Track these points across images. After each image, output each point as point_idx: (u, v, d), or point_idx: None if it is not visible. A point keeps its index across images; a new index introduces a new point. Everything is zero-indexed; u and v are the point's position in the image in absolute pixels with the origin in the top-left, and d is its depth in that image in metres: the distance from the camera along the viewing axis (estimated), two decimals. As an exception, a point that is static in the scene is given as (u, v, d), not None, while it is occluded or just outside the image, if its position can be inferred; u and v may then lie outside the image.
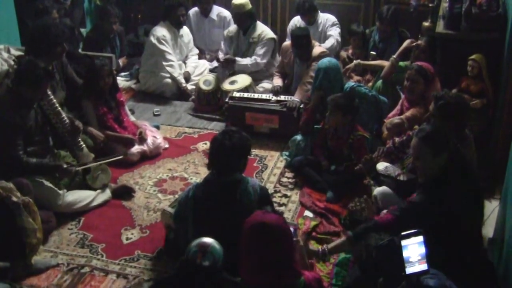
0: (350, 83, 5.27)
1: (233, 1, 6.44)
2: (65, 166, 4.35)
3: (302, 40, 5.81)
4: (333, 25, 6.71)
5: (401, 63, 5.57)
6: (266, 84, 6.41)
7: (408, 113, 4.84)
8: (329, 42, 6.49)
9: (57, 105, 4.65)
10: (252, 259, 3.09)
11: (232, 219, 3.49)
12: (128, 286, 3.79)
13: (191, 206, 3.64)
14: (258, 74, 6.50)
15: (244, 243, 3.11)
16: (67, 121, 4.69)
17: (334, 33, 6.67)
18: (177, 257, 3.15)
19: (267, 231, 3.04)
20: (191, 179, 5.00)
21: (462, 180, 3.47)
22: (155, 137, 5.47)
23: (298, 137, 5.22)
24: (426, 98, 4.73)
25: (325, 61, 5.27)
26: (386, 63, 5.62)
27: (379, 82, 5.66)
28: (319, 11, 6.73)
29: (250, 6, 6.48)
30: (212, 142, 3.67)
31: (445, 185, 3.40)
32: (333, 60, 5.34)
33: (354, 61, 5.99)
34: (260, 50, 6.44)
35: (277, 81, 6.21)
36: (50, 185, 4.35)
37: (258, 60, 6.42)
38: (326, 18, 6.74)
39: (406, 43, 5.70)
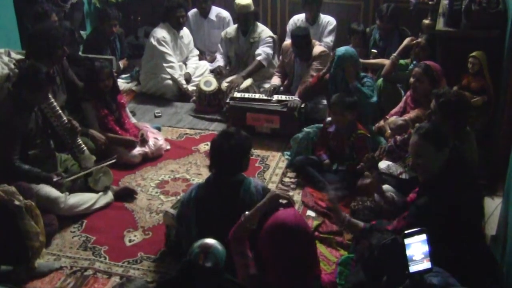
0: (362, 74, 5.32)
1: (238, 2, 6.41)
2: (55, 178, 4.31)
3: (302, 40, 5.81)
4: (331, 31, 6.70)
5: (401, 61, 5.57)
6: (267, 85, 6.40)
7: (412, 114, 4.81)
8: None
9: (58, 108, 4.65)
10: (273, 259, 3.09)
11: (234, 220, 3.49)
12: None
13: (193, 207, 3.64)
14: (259, 75, 6.49)
15: (265, 243, 3.11)
16: (68, 123, 4.69)
17: (328, 40, 6.68)
18: (179, 258, 3.16)
19: (289, 232, 3.04)
20: (193, 180, 5.00)
21: (462, 178, 3.46)
22: (156, 139, 5.47)
23: (300, 135, 5.22)
24: (431, 99, 4.70)
25: (342, 48, 5.28)
26: (386, 61, 5.62)
27: (380, 80, 5.66)
28: (320, 13, 6.74)
29: (253, 6, 6.49)
30: (212, 145, 3.66)
31: (446, 183, 3.39)
32: (350, 50, 5.32)
33: None
34: (266, 48, 6.43)
35: (275, 81, 6.20)
36: (52, 188, 4.35)
37: (265, 55, 6.42)
38: (327, 21, 6.74)
39: (406, 41, 5.69)
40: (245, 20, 6.49)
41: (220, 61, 6.77)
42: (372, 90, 5.20)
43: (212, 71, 6.82)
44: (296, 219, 3.14)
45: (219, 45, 6.81)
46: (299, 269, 3.08)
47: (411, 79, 4.88)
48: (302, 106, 5.55)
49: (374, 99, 5.17)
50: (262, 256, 3.16)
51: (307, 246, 3.15)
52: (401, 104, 5.12)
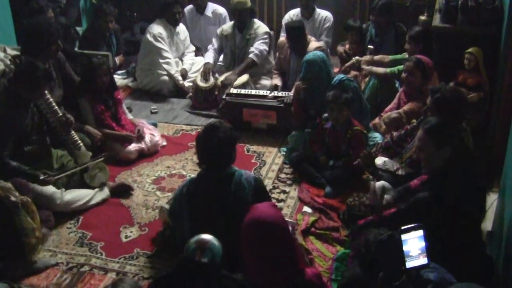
0: (340, 76, 5.26)
1: None
2: (42, 177, 4.26)
3: (295, 32, 5.83)
4: (328, 29, 6.70)
5: (398, 56, 5.57)
6: (263, 81, 6.41)
7: (406, 107, 4.85)
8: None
9: (54, 104, 4.64)
10: (251, 256, 3.09)
11: (227, 214, 3.50)
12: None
13: (186, 202, 3.64)
14: (255, 71, 6.49)
15: (243, 240, 3.12)
16: (64, 119, 4.68)
17: (328, 39, 6.69)
18: (174, 253, 3.15)
19: (263, 228, 3.04)
20: (189, 176, 4.98)
21: (467, 174, 3.47)
22: (152, 135, 5.46)
23: (297, 132, 5.22)
24: (423, 92, 4.72)
25: (310, 54, 5.28)
26: (385, 58, 5.62)
27: (377, 78, 5.65)
28: (316, 7, 6.73)
29: (250, 2, 6.48)
30: (199, 140, 3.64)
31: (451, 179, 3.38)
32: (318, 53, 5.31)
33: (353, 59, 5.97)
34: (260, 45, 6.44)
35: (275, 81, 6.22)
36: (45, 189, 4.33)
37: (258, 52, 6.42)
38: (324, 17, 6.73)
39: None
40: (241, 16, 6.48)
41: (209, 58, 6.66)
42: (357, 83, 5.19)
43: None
44: (272, 214, 3.14)
45: (213, 39, 6.78)
46: (279, 264, 3.09)
47: (403, 74, 4.90)
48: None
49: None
50: (243, 253, 3.17)
51: (284, 240, 3.14)
52: (395, 100, 5.14)
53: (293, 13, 6.81)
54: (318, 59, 5.17)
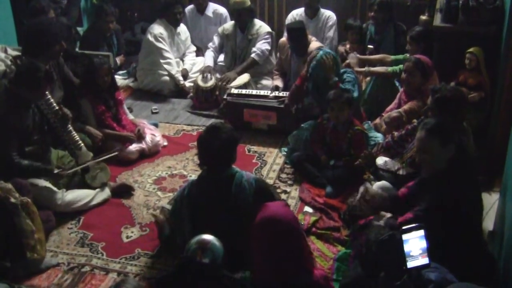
0: (342, 69, 5.30)
1: None
2: (56, 171, 4.29)
3: (295, 33, 5.83)
4: (332, 26, 6.69)
5: (399, 56, 5.57)
6: (264, 81, 6.41)
7: (406, 107, 4.85)
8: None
9: (55, 104, 4.64)
10: (262, 255, 3.09)
11: (228, 215, 3.49)
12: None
13: (186, 204, 3.64)
14: (256, 71, 6.49)
15: (253, 239, 3.11)
16: (60, 113, 4.67)
17: (331, 34, 6.67)
18: (175, 254, 3.15)
19: (276, 227, 3.04)
20: (190, 176, 4.99)
21: (466, 173, 3.46)
22: (153, 135, 5.46)
23: (297, 132, 5.22)
24: (423, 92, 4.72)
25: (320, 52, 5.27)
26: (385, 57, 5.61)
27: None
28: (320, 7, 6.73)
29: (249, 2, 6.48)
30: (201, 142, 3.65)
31: (451, 180, 3.38)
32: (327, 51, 5.33)
33: (348, 59, 5.96)
34: (263, 45, 6.44)
35: (276, 81, 6.22)
36: (49, 184, 4.34)
37: (260, 52, 6.42)
38: (328, 16, 6.73)
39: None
40: (240, 16, 6.48)
41: (209, 59, 6.69)
42: (353, 84, 5.17)
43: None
44: (285, 213, 3.14)
45: (214, 37, 6.79)
46: (289, 263, 3.09)
47: (403, 75, 4.91)
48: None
49: (355, 94, 5.15)
50: (253, 251, 3.17)
51: (297, 240, 3.14)
52: (395, 101, 5.14)
53: (297, 13, 6.80)
54: (329, 55, 5.17)
